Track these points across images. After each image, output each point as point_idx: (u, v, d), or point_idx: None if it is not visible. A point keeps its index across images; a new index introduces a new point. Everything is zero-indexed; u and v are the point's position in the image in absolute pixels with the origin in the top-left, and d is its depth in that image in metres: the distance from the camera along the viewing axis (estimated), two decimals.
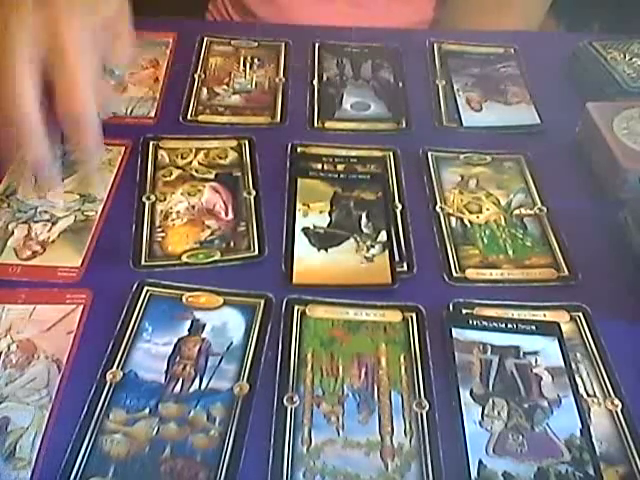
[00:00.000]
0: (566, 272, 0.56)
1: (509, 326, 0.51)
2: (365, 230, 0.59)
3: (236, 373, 0.48)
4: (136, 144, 0.67)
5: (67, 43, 0.47)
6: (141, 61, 0.78)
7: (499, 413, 0.46)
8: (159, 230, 0.58)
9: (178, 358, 0.49)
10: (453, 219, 0.61)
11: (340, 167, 0.65)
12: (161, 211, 0.60)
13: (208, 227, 0.59)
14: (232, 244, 0.57)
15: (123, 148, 0.66)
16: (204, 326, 0.51)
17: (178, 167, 0.65)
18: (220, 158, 0.66)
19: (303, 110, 0.72)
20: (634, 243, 0.57)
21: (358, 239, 0.58)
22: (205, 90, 0.75)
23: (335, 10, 0.92)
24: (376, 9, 0.93)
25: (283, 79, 0.77)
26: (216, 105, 0.73)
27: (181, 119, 0.70)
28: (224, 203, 0.61)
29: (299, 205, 0.61)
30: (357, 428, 0.45)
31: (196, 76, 0.76)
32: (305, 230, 0.59)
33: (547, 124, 0.72)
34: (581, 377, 0.48)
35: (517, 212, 0.61)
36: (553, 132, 0.71)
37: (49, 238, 0.57)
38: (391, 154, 0.67)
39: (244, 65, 0.78)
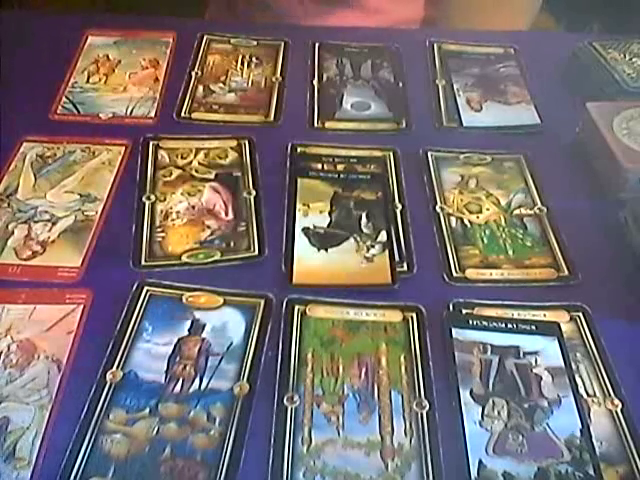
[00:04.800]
0: (566, 272, 0.56)
1: (509, 326, 0.51)
2: (365, 230, 0.59)
3: (236, 373, 0.48)
4: (136, 144, 0.67)
5: None
6: (141, 61, 0.78)
7: (499, 413, 0.46)
8: (159, 230, 0.58)
9: (178, 358, 0.49)
10: (453, 219, 0.61)
11: (340, 167, 0.65)
12: (161, 211, 0.60)
13: (208, 227, 0.59)
14: (232, 244, 0.57)
15: (123, 148, 0.66)
16: (204, 326, 0.51)
17: (178, 167, 0.65)
18: (220, 158, 0.66)
19: (303, 110, 0.72)
20: (634, 243, 0.57)
21: (358, 239, 0.58)
22: (201, 88, 0.75)
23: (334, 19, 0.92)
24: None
25: (280, 78, 0.77)
26: (211, 103, 0.73)
27: (175, 116, 0.70)
28: (224, 203, 0.61)
29: (299, 205, 0.61)
30: (357, 428, 0.45)
31: (193, 73, 0.76)
32: (305, 230, 0.59)
33: (547, 124, 0.72)
34: (581, 377, 0.48)
35: (517, 212, 0.61)
36: (553, 132, 0.71)
37: (49, 238, 0.57)
38: (391, 154, 0.67)
39: (242, 63, 0.78)
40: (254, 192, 0.62)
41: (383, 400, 0.47)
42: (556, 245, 0.58)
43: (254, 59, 0.79)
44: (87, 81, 0.75)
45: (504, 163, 0.67)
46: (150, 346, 0.50)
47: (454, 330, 0.51)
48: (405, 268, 0.56)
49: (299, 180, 0.63)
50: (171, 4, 0.93)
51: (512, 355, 0.49)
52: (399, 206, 0.62)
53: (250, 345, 0.50)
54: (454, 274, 0.56)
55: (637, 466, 0.44)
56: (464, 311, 0.53)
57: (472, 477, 0.43)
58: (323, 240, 0.58)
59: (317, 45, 0.81)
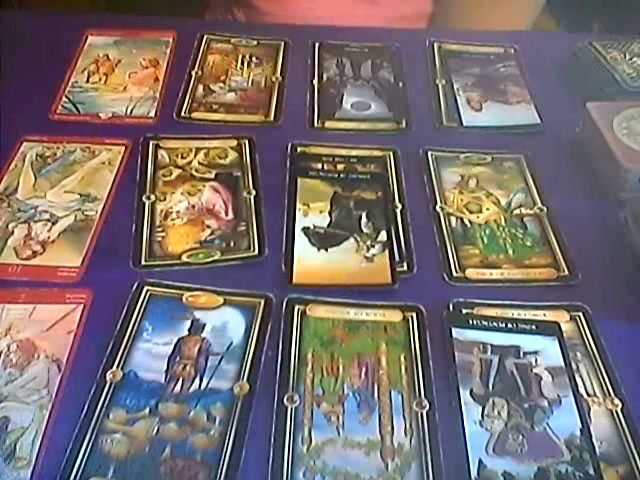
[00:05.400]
0: (566, 272, 0.56)
1: (509, 326, 0.51)
2: (365, 230, 0.59)
3: (236, 373, 0.48)
4: (136, 144, 0.67)
5: None
6: (141, 61, 0.78)
7: (499, 413, 0.46)
8: (159, 230, 0.58)
9: (178, 358, 0.49)
10: (453, 219, 0.61)
11: (340, 167, 0.65)
12: (161, 211, 0.60)
13: (208, 227, 0.59)
14: (232, 244, 0.57)
15: (123, 148, 0.66)
16: (204, 326, 0.51)
17: (178, 167, 0.65)
18: (220, 158, 0.66)
19: (303, 110, 0.72)
20: (634, 243, 0.57)
21: (358, 239, 0.58)
22: (201, 87, 0.75)
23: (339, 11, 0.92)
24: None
25: (280, 78, 0.77)
26: (211, 102, 0.73)
27: (175, 116, 0.71)
28: (224, 203, 0.61)
29: (299, 205, 0.61)
30: (357, 428, 0.45)
31: (193, 73, 0.76)
32: (305, 230, 0.59)
33: (547, 124, 0.72)
34: (581, 377, 0.48)
35: (517, 212, 0.61)
36: (553, 132, 0.71)
37: (49, 238, 0.57)
38: (391, 154, 0.67)
39: (242, 63, 0.78)
40: (254, 192, 0.62)
41: (383, 400, 0.47)
42: (556, 245, 0.58)
43: (254, 59, 0.79)
44: (87, 81, 0.75)
45: (504, 163, 0.67)
46: (150, 346, 0.49)
47: (454, 330, 0.51)
48: (405, 268, 0.56)
49: (299, 180, 0.63)
50: (171, 4, 0.92)
51: (512, 355, 0.49)
52: (399, 206, 0.62)
53: (250, 345, 0.50)
54: (454, 274, 0.56)
55: (637, 466, 0.44)
56: (464, 311, 0.53)
57: (472, 477, 0.43)
58: (323, 240, 0.58)
59: (317, 45, 0.81)
